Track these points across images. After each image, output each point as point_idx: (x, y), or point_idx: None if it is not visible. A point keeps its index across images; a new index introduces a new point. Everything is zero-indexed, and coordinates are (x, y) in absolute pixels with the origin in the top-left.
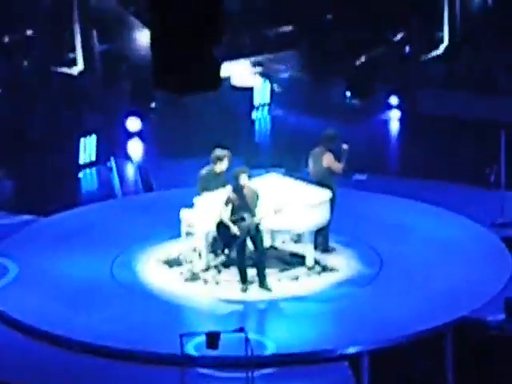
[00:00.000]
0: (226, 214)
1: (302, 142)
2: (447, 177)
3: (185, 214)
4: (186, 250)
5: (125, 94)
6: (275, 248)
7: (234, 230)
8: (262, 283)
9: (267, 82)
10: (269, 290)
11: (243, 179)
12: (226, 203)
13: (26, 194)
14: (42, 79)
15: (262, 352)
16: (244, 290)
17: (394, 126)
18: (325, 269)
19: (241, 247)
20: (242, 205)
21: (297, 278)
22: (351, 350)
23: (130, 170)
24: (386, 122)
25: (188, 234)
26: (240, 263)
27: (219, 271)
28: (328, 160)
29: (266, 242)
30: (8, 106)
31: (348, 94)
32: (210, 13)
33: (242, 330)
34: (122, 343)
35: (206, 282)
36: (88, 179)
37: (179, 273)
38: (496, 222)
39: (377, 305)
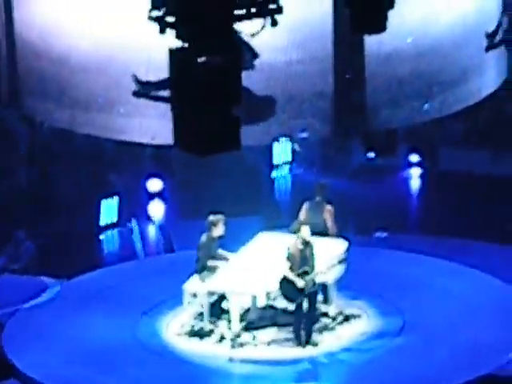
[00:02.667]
0: (288, 270)
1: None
2: (470, 234)
3: (189, 285)
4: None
5: (146, 157)
6: (271, 306)
7: (301, 283)
8: (309, 339)
9: (287, 141)
10: (316, 344)
11: (305, 233)
12: (288, 258)
13: (47, 256)
14: (63, 141)
15: None
16: (306, 345)
17: (415, 184)
18: (348, 318)
19: (300, 304)
20: (303, 258)
21: (325, 329)
22: None
23: (152, 231)
24: (406, 180)
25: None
26: (298, 321)
27: (254, 336)
28: (330, 213)
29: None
30: (27, 168)
31: (371, 154)
32: (229, 76)
33: None
34: None
35: (255, 345)
36: (109, 241)
37: (216, 341)
38: None
39: (403, 360)
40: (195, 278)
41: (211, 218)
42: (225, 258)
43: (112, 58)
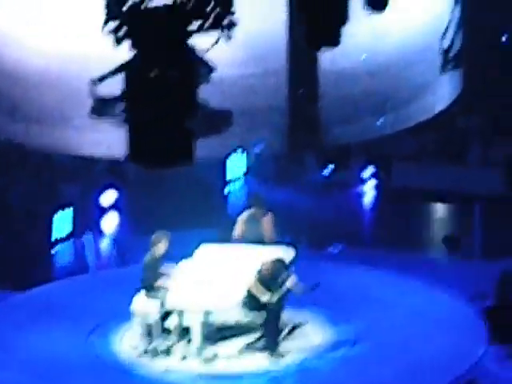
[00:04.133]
0: (253, 285)
1: (276, 215)
2: (423, 249)
3: (138, 305)
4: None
5: (100, 170)
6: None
7: (264, 298)
8: (276, 350)
9: (244, 154)
10: (282, 355)
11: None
12: (259, 272)
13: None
14: (17, 154)
15: None
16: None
17: (369, 199)
18: (295, 327)
19: (277, 313)
20: (273, 274)
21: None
22: None
23: (105, 244)
24: (361, 195)
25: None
26: (268, 332)
27: (215, 353)
28: (268, 221)
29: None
30: None
31: (327, 170)
32: (183, 89)
33: None
34: None
35: (228, 358)
36: (63, 253)
37: (179, 359)
38: (472, 295)
39: (354, 375)
40: (142, 297)
41: (153, 236)
42: (168, 275)
43: (65, 71)
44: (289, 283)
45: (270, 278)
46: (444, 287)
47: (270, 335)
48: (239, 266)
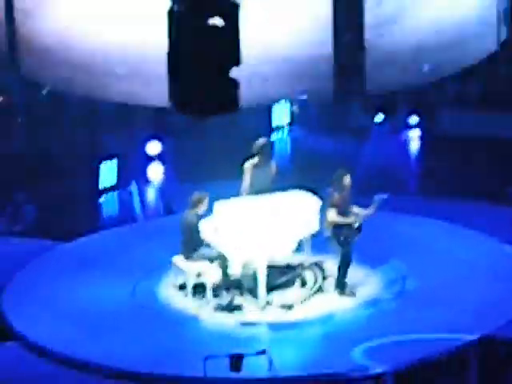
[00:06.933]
0: (335, 215)
1: (321, 163)
2: (469, 195)
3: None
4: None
5: (145, 118)
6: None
7: (352, 219)
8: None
9: (287, 102)
10: (354, 294)
11: (347, 180)
12: (332, 205)
13: (47, 219)
14: (60, 105)
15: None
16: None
17: (414, 145)
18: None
19: (350, 247)
20: (346, 206)
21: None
22: (377, 370)
23: (151, 194)
24: (405, 142)
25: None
26: (346, 268)
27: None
28: (276, 169)
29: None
30: (27, 131)
31: (379, 117)
32: (228, 37)
33: (264, 352)
34: (145, 367)
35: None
36: (109, 203)
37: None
38: None
39: (400, 323)
40: (190, 259)
41: (197, 195)
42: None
43: None
44: (357, 210)
45: (344, 204)
46: (494, 234)
47: (343, 272)
48: (273, 214)
